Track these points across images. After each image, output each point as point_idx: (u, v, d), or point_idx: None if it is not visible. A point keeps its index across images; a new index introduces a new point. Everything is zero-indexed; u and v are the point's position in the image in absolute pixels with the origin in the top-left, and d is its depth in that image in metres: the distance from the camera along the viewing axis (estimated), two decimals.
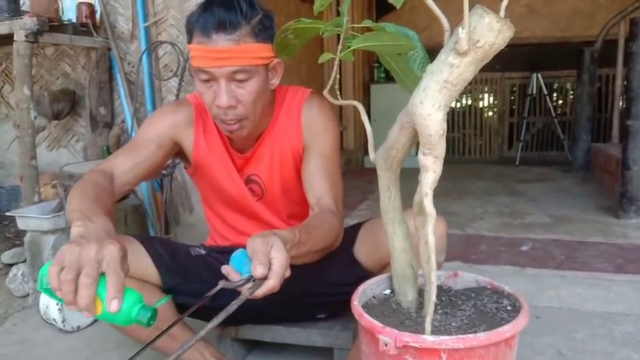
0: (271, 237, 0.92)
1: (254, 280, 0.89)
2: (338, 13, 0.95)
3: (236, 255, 0.95)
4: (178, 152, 1.39)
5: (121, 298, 0.78)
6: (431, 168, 0.83)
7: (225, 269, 0.92)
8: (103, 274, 0.78)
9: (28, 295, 2.22)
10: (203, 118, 1.35)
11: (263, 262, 0.88)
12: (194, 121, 1.34)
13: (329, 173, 1.29)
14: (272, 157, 1.35)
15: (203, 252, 1.44)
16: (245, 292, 0.88)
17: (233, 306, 0.86)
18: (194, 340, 0.85)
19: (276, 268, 0.89)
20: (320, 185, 1.27)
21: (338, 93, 1.02)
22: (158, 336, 0.86)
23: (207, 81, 1.17)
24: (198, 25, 1.14)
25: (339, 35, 0.96)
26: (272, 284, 0.89)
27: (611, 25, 4.14)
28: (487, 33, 0.74)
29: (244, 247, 0.94)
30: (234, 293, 0.93)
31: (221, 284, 0.90)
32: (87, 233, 0.85)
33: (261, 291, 0.89)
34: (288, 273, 0.92)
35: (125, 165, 1.24)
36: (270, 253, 0.90)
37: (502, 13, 0.76)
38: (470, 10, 0.75)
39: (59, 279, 0.76)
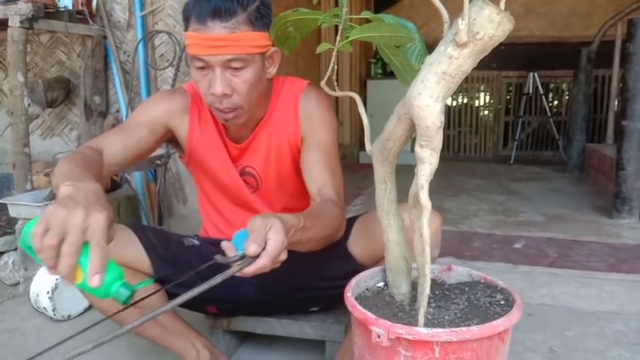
0: (272, 218, 0.91)
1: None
2: (336, 5, 0.94)
3: (238, 233, 0.94)
4: (172, 140, 1.38)
5: (103, 274, 0.76)
6: (427, 160, 0.83)
7: (223, 244, 0.91)
8: (86, 242, 0.76)
9: (18, 283, 2.20)
10: (199, 107, 1.33)
11: (257, 241, 0.87)
12: (189, 109, 1.33)
13: (329, 163, 1.28)
14: (268, 148, 1.34)
15: (197, 242, 1.44)
16: (234, 267, 0.86)
17: (217, 279, 0.84)
18: (168, 306, 0.84)
19: (269, 249, 0.87)
20: (320, 176, 1.26)
21: (335, 84, 1.01)
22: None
23: (202, 69, 1.16)
24: (194, 12, 1.13)
25: (337, 28, 0.96)
26: (262, 263, 0.86)
27: (608, 26, 4.15)
28: (487, 25, 0.73)
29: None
30: (227, 285, 0.93)
31: (217, 258, 0.89)
32: (76, 194, 0.82)
33: (250, 269, 0.87)
34: (284, 256, 0.90)
35: (115, 145, 1.22)
36: (267, 234, 0.88)
37: (502, 5, 0.75)
38: (470, 2, 0.74)
39: (42, 242, 0.74)
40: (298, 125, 1.32)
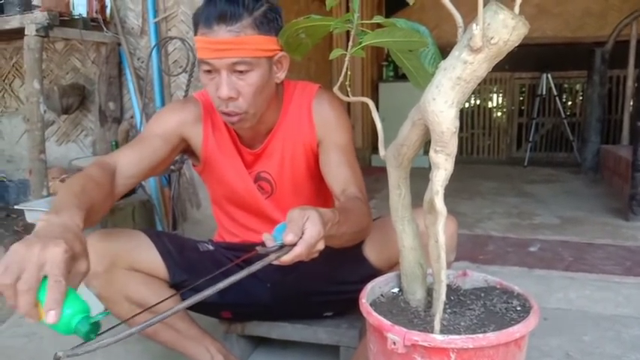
0: (310, 210, 0.93)
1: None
2: (348, 10, 0.94)
3: (278, 226, 0.96)
4: (186, 149, 1.38)
5: (59, 309, 0.74)
6: (442, 166, 0.82)
7: (264, 236, 0.92)
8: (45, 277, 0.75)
9: None
10: (211, 115, 1.34)
11: (294, 231, 0.89)
12: (202, 118, 1.34)
13: (349, 163, 1.29)
14: (283, 153, 1.34)
15: (211, 247, 1.44)
16: (271, 255, 0.88)
17: (257, 266, 0.86)
18: (203, 295, 0.85)
19: (306, 237, 0.89)
20: (343, 175, 1.26)
21: (348, 89, 1.01)
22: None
23: (209, 72, 1.17)
24: (202, 17, 1.15)
25: (348, 33, 0.96)
26: (298, 251, 0.88)
27: (622, 26, 4.11)
28: (501, 30, 0.73)
29: (254, 242, 0.94)
30: (242, 289, 0.94)
31: (257, 249, 0.91)
32: (43, 230, 0.83)
33: (288, 257, 0.88)
34: (320, 246, 0.92)
35: (130, 159, 1.24)
36: (304, 224, 0.90)
37: (517, 9, 0.75)
38: (484, 6, 0.74)
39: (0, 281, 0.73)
40: (313, 129, 1.32)
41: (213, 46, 1.13)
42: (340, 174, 1.27)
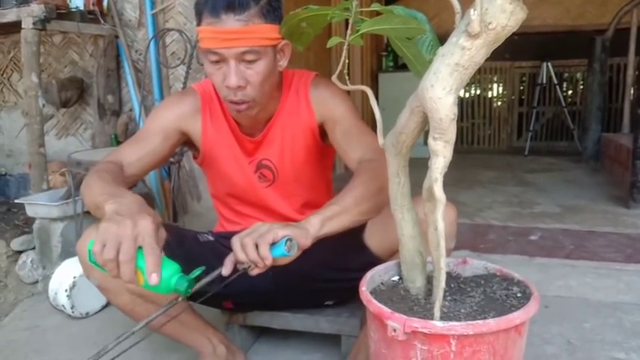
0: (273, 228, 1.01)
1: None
2: None
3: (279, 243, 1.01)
4: (187, 141, 1.39)
5: (159, 272, 0.87)
6: (441, 153, 0.82)
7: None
8: (140, 247, 0.87)
9: (37, 281, 2.23)
10: (210, 106, 1.34)
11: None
12: (200, 109, 1.34)
13: (356, 127, 1.29)
14: (283, 139, 1.35)
15: (211, 238, 1.45)
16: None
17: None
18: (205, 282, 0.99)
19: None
20: (353, 145, 1.26)
21: (347, 78, 1.01)
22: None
23: (216, 62, 1.17)
24: (207, 6, 1.14)
25: (347, 22, 0.95)
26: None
27: (623, 13, 4.08)
28: (499, 15, 0.73)
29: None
30: (244, 278, 0.96)
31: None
32: (120, 208, 0.93)
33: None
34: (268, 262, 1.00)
35: (132, 157, 1.26)
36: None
37: None
38: None
39: (102, 257, 0.86)
40: (312, 113, 1.33)
41: (221, 35, 1.13)
42: (351, 144, 1.27)
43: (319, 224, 1.05)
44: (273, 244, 0.99)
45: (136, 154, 1.27)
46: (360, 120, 1.32)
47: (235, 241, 1.00)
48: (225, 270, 1.01)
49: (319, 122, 1.33)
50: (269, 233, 0.99)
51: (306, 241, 1.02)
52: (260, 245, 0.98)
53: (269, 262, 0.98)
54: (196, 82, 1.40)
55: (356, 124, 1.30)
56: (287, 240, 0.99)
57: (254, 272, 1.01)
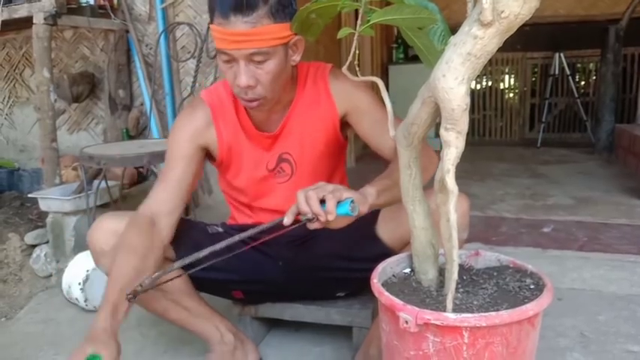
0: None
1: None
2: None
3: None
4: (208, 154, 1.39)
5: None
6: (453, 144, 0.81)
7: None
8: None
9: (51, 275, 2.26)
10: (221, 113, 1.34)
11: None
12: (212, 120, 1.34)
13: (386, 116, 1.28)
14: (302, 131, 1.34)
15: (221, 230, 1.45)
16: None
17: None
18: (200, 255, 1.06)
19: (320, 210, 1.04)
20: (386, 134, 1.25)
21: (357, 69, 1.00)
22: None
23: (228, 62, 1.18)
24: (217, 5, 1.14)
25: (357, 12, 0.94)
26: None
27: (637, 2, 4.02)
28: (512, 3, 0.71)
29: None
30: (254, 266, 0.96)
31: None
32: (94, 333, 1.00)
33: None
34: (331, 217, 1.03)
35: (163, 197, 1.29)
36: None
37: None
38: None
39: None
40: (333, 104, 1.32)
41: (229, 37, 1.12)
42: (384, 134, 1.22)
43: (376, 194, 1.11)
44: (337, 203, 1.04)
45: (168, 192, 1.29)
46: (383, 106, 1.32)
47: (300, 194, 1.05)
48: (287, 219, 1.05)
49: (341, 114, 1.33)
50: (337, 191, 1.04)
51: (364, 208, 1.07)
52: (328, 200, 1.03)
53: (332, 217, 1.02)
54: (205, 89, 1.40)
55: (384, 112, 1.29)
56: (351, 201, 1.03)
57: (313, 226, 1.05)
